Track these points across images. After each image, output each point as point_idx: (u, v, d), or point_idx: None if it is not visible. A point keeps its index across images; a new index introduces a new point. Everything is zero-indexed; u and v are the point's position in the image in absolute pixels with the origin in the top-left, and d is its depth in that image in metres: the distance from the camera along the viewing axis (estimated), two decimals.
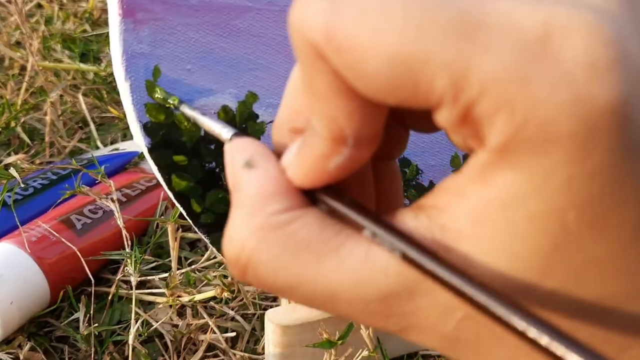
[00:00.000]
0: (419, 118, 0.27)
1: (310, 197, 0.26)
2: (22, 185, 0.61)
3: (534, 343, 0.19)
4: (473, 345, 0.23)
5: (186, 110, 0.35)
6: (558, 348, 0.19)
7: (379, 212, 0.24)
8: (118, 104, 0.79)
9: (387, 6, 0.20)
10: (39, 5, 0.97)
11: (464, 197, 0.22)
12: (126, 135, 0.76)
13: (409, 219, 0.23)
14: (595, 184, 0.20)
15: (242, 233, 0.25)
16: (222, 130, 0.31)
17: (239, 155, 0.27)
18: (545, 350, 0.19)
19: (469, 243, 0.22)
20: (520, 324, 0.19)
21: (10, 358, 0.50)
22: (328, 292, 0.24)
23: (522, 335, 0.19)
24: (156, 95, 0.38)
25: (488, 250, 0.21)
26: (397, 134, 0.29)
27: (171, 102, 0.36)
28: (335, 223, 0.25)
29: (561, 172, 0.20)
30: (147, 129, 0.40)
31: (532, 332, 0.19)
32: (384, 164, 0.30)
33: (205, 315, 0.54)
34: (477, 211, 0.21)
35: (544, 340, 0.19)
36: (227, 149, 0.28)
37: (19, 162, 0.67)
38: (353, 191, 0.27)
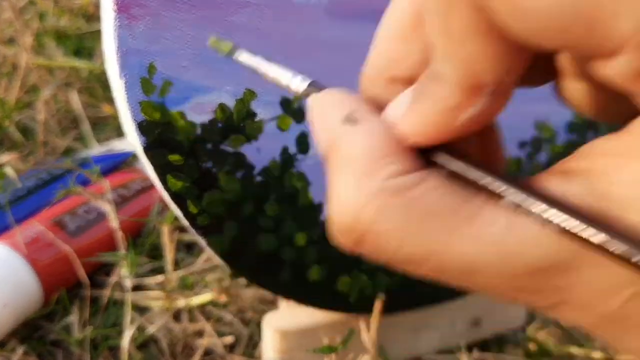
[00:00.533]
0: (535, 70, 0.23)
1: (423, 158, 0.23)
2: (19, 185, 0.60)
3: None
4: (639, 326, 0.21)
5: (243, 57, 0.30)
6: None
7: (518, 177, 0.21)
8: (112, 101, 0.78)
9: None
10: (33, 2, 0.96)
11: (629, 162, 0.19)
12: (121, 134, 0.75)
13: (555, 185, 0.20)
14: None
15: (356, 199, 0.22)
16: (292, 80, 0.27)
17: (334, 109, 0.24)
18: None
19: (633, 215, 0.19)
20: None
21: None
22: (465, 265, 0.21)
23: None
24: (212, 44, 0.33)
25: None
26: None
27: (224, 48, 0.32)
28: (460, 188, 0.22)
29: None
30: (142, 127, 0.39)
31: None
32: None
33: (202, 320, 0.53)
34: None
35: None
36: (316, 101, 0.25)
37: (12, 161, 0.67)
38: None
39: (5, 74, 0.80)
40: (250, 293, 0.55)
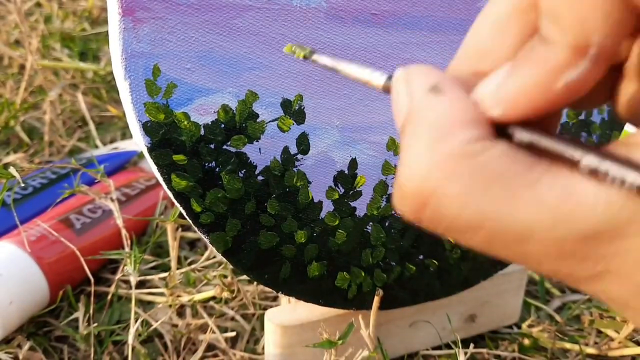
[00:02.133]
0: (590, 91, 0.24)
1: (500, 131, 0.23)
2: (22, 185, 0.61)
3: None
4: None
5: (322, 59, 0.31)
6: None
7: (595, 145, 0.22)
8: (117, 102, 0.79)
9: None
10: (38, 4, 0.96)
11: None
12: (125, 134, 0.76)
13: (624, 153, 0.21)
14: None
15: (427, 161, 0.22)
16: (372, 76, 0.27)
17: (421, 79, 0.24)
18: None
19: None
20: None
21: (10, 358, 0.50)
22: (520, 230, 0.22)
23: None
24: (288, 50, 0.34)
25: None
26: None
27: (302, 51, 0.32)
28: (525, 157, 0.22)
29: None
30: (146, 128, 0.40)
31: None
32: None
33: (205, 315, 0.54)
34: None
35: None
36: (402, 75, 0.25)
37: (18, 161, 0.67)
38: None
39: (12, 75, 0.81)
40: (252, 289, 0.56)
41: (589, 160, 0.21)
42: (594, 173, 0.21)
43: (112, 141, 0.75)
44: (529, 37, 0.23)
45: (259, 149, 0.42)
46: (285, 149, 0.43)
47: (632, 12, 0.20)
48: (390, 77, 0.26)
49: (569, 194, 0.21)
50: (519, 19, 0.24)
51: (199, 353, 0.51)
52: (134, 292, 0.49)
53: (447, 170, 0.22)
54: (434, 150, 0.22)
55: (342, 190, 0.45)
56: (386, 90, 0.27)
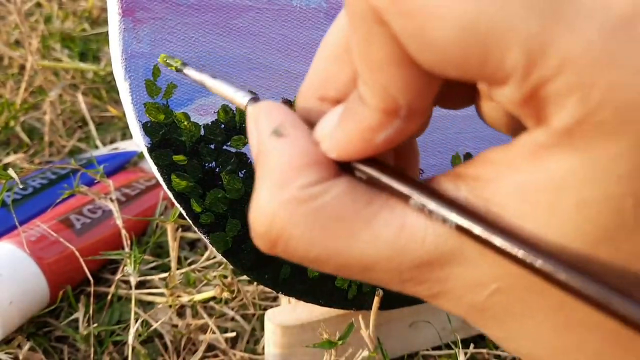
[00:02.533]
0: (451, 94, 0.26)
1: (342, 165, 0.25)
2: (21, 186, 0.61)
3: (611, 312, 0.19)
4: (500, 318, 0.23)
5: (192, 73, 0.32)
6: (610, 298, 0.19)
7: (423, 181, 0.24)
8: (117, 103, 0.79)
9: None
10: (38, 4, 0.97)
11: (511, 173, 0.21)
12: (125, 135, 0.76)
13: (449, 188, 0.23)
14: None
15: (271, 205, 0.24)
16: (236, 95, 0.29)
17: (264, 121, 0.26)
18: (599, 304, 0.19)
19: (513, 219, 0.21)
20: (598, 292, 0.19)
21: (10, 358, 0.50)
22: (362, 263, 0.24)
23: (597, 304, 0.19)
24: (162, 60, 0.36)
25: (533, 230, 0.21)
26: None
27: (173, 64, 0.34)
28: (366, 192, 0.24)
29: (628, 159, 0.19)
30: (146, 128, 0.40)
31: (616, 302, 0.19)
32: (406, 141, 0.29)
33: (205, 316, 0.54)
34: (526, 190, 0.21)
35: (624, 308, 0.19)
36: (252, 113, 0.27)
37: (18, 161, 0.67)
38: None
39: (12, 75, 0.81)
40: (252, 289, 0.56)
41: (416, 198, 0.23)
42: (421, 210, 0.23)
43: (112, 141, 0.75)
44: None
45: None
46: None
47: (429, 77, 0.21)
48: (252, 99, 0.28)
49: (401, 229, 0.23)
50: (350, 54, 0.25)
51: (199, 353, 0.51)
52: (134, 293, 0.49)
53: (289, 215, 0.24)
54: (275, 195, 0.24)
55: None
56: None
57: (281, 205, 0.24)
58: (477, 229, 0.21)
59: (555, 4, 0.19)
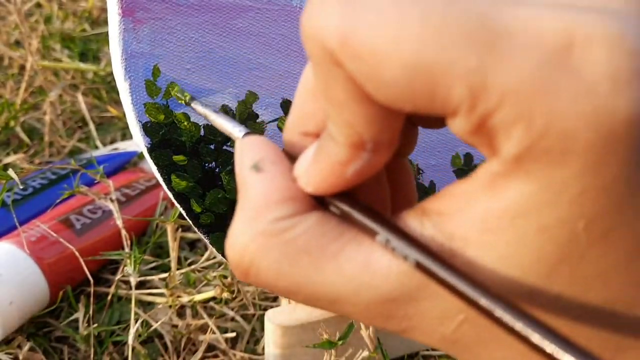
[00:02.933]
0: (430, 118, 0.27)
1: (318, 199, 0.26)
2: (21, 186, 0.61)
3: (533, 345, 0.20)
4: (471, 347, 0.24)
5: (198, 107, 0.35)
6: (553, 349, 0.19)
7: (390, 217, 0.25)
8: (117, 103, 0.79)
9: (405, 12, 0.20)
10: (38, 5, 0.97)
11: (472, 205, 0.22)
12: (125, 135, 0.76)
13: (415, 225, 0.23)
14: (608, 196, 0.20)
15: (243, 237, 0.25)
16: (234, 130, 0.31)
17: (247, 156, 0.27)
18: (542, 351, 0.20)
19: (476, 250, 0.22)
20: (522, 328, 0.20)
21: (10, 358, 0.50)
22: (329, 296, 0.25)
23: (523, 339, 0.20)
24: (174, 93, 0.38)
25: (495, 259, 0.22)
26: (407, 132, 0.29)
27: (182, 97, 0.36)
28: (336, 226, 0.25)
29: (576, 183, 0.20)
30: (146, 128, 0.40)
31: (535, 338, 0.20)
32: (396, 162, 0.30)
33: (205, 316, 0.54)
34: (486, 220, 0.22)
35: (542, 342, 0.20)
36: (238, 148, 0.28)
37: (18, 161, 0.67)
38: (368, 189, 0.27)
39: (12, 76, 0.81)
40: (252, 290, 0.56)
41: (382, 234, 0.23)
42: (386, 246, 0.23)
43: (112, 142, 0.75)
44: None
45: None
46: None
47: (390, 111, 0.22)
48: (247, 134, 0.30)
49: (366, 264, 0.24)
50: None
51: (199, 353, 0.51)
52: (134, 293, 0.49)
53: (258, 247, 0.25)
54: (248, 227, 0.25)
55: None
56: None
57: (252, 238, 0.25)
58: (433, 267, 0.22)
59: (491, 39, 0.19)
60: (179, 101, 0.38)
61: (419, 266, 0.22)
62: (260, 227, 0.25)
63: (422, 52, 0.19)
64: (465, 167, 0.49)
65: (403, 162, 0.30)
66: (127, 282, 0.57)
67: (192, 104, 0.36)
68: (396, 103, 0.21)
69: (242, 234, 0.25)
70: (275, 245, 0.25)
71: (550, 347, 0.19)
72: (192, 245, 0.63)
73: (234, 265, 0.26)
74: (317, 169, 0.25)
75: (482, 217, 0.22)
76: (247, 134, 0.30)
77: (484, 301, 0.21)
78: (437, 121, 0.26)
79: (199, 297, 0.54)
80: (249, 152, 0.27)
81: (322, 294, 0.25)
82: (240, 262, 0.26)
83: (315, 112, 0.27)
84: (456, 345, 0.24)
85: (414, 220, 0.24)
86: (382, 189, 0.29)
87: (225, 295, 0.53)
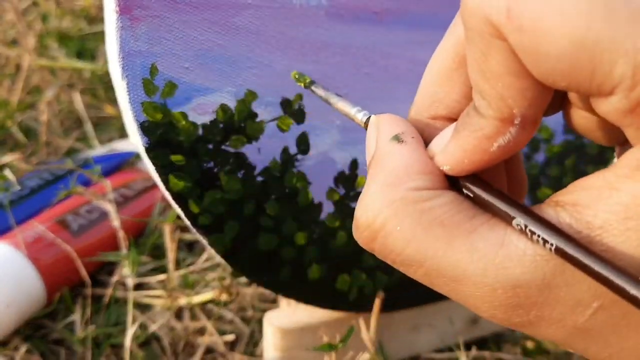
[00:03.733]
0: (553, 102, 0.27)
1: (451, 182, 0.27)
2: (18, 186, 0.60)
3: None
4: (604, 336, 0.24)
5: (319, 90, 0.35)
6: None
7: (527, 206, 0.25)
8: (115, 102, 0.78)
9: None
10: (35, 3, 0.96)
11: (612, 194, 0.22)
12: (123, 135, 0.75)
13: (550, 213, 0.24)
14: None
15: (379, 201, 0.26)
16: (357, 113, 0.32)
17: (388, 127, 0.28)
18: None
19: (616, 237, 0.22)
20: None
21: None
22: (455, 272, 0.25)
23: None
24: (293, 76, 0.39)
25: (637, 245, 0.22)
26: None
27: (302, 80, 0.36)
28: (470, 208, 0.26)
29: None
30: (144, 128, 0.39)
31: None
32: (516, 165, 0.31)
33: (203, 318, 0.53)
34: (628, 208, 0.22)
35: None
36: (375, 121, 0.29)
37: (14, 161, 0.67)
38: (489, 175, 0.28)
39: (8, 75, 0.81)
40: (251, 291, 0.55)
41: (519, 220, 0.24)
42: (522, 231, 0.24)
43: (109, 141, 0.75)
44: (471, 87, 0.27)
45: (258, 149, 0.42)
46: (285, 149, 0.43)
47: (547, 87, 0.23)
48: (368, 119, 0.30)
49: (500, 245, 0.24)
50: (460, 71, 0.27)
51: (198, 356, 0.51)
52: (131, 295, 0.49)
53: (395, 211, 0.25)
54: (386, 192, 0.26)
55: (343, 191, 0.45)
56: (366, 127, 0.30)
57: (389, 202, 0.25)
58: (577, 253, 0.22)
59: None
60: (298, 83, 0.38)
61: (559, 251, 0.22)
62: (399, 193, 0.25)
63: (589, 28, 0.20)
64: None
65: (520, 167, 0.31)
66: (125, 284, 0.56)
67: (313, 87, 0.36)
68: (553, 78, 0.22)
69: (377, 198, 0.26)
70: (412, 212, 0.25)
71: None
72: (191, 247, 0.62)
73: (362, 228, 0.26)
74: (457, 145, 0.26)
75: (625, 204, 0.22)
76: (368, 118, 0.30)
77: (629, 286, 0.21)
78: (552, 107, 0.26)
79: (197, 299, 0.54)
80: (388, 125, 0.28)
81: (447, 268, 0.25)
82: (370, 225, 0.26)
83: (447, 95, 0.28)
84: (587, 334, 0.24)
85: (548, 209, 0.24)
86: (500, 174, 0.29)
87: (224, 297, 0.52)
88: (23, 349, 0.50)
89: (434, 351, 0.53)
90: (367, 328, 0.46)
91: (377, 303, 0.46)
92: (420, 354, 0.53)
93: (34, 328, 0.53)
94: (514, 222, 0.24)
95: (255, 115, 0.42)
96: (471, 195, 0.26)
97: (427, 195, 0.25)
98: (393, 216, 0.25)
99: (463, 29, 0.24)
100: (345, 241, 0.45)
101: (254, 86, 0.42)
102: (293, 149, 0.43)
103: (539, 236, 0.23)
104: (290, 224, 0.43)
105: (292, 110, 0.43)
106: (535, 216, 0.24)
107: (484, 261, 0.24)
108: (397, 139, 0.27)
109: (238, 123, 0.41)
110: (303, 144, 0.43)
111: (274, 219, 0.43)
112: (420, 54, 0.46)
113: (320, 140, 0.44)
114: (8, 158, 0.68)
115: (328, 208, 0.44)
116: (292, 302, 0.47)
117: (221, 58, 0.41)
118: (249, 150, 0.42)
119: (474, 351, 0.51)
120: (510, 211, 0.24)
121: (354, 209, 0.45)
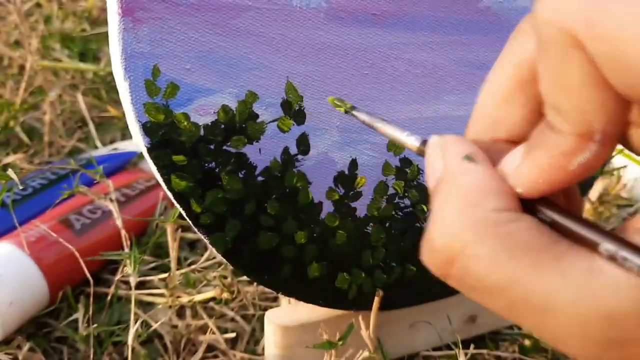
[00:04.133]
0: None
1: (526, 205, 0.25)
2: (21, 186, 0.61)
3: None
4: None
5: (362, 115, 0.33)
6: None
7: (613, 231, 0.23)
8: (117, 103, 0.79)
9: None
10: (38, 5, 0.96)
11: None
12: (125, 135, 0.76)
13: (637, 240, 0.22)
14: None
15: (457, 223, 0.24)
16: (407, 138, 0.30)
17: (455, 148, 0.26)
18: None
19: None
20: None
21: (10, 358, 0.50)
22: (542, 301, 0.23)
23: None
24: (331, 101, 0.37)
25: None
26: None
27: (343, 106, 0.35)
28: (550, 232, 0.24)
29: None
30: (146, 128, 0.40)
31: None
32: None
33: (205, 316, 0.53)
34: None
35: None
36: (438, 142, 0.27)
37: (17, 161, 0.67)
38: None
39: (11, 76, 0.81)
40: (252, 290, 0.56)
41: (607, 246, 0.22)
42: (612, 258, 0.22)
43: (112, 142, 0.75)
44: (534, 107, 0.26)
45: (259, 149, 0.42)
46: (286, 150, 0.43)
47: (626, 101, 0.21)
48: (424, 142, 0.28)
49: (591, 273, 0.22)
50: (522, 91, 0.26)
51: (199, 354, 0.51)
52: (133, 293, 0.49)
53: (477, 234, 0.23)
54: (465, 213, 0.24)
55: (343, 191, 0.45)
56: (420, 153, 0.28)
57: (469, 225, 0.24)
58: None
59: None
60: (337, 109, 0.36)
61: None
62: (480, 215, 0.24)
63: None
64: None
65: (574, 189, 0.29)
66: (127, 283, 0.56)
67: (354, 112, 0.34)
68: (635, 90, 0.20)
69: (455, 220, 0.24)
70: (495, 235, 0.23)
71: None
72: (192, 246, 0.62)
73: (437, 252, 0.24)
74: (532, 165, 0.24)
75: None
76: (425, 141, 0.29)
77: None
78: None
79: (198, 298, 0.54)
80: (455, 145, 0.26)
81: (535, 297, 0.23)
82: (449, 247, 0.24)
83: (507, 118, 0.26)
84: None
85: (634, 235, 0.22)
86: (558, 198, 0.27)
87: (225, 295, 0.53)
88: (26, 347, 0.51)
89: (432, 349, 0.53)
90: (366, 326, 0.46)
91: (376, 301, 0.46)
92: (418, 352, 0.53)
93: (36, 326, 0.54)
94: (602, 248, 0.22)
95: (256, 116, 0.42)
96: (548, 220, 0.24)
97: (509, 217, 0.23)
98: (475, 239, 0.23)
99: (532, 43, 0.23)
100: (345, 240, 0.45)
101: (255, 87, 0.42)
102: (293, 150, 0.43)
103: (632, 263, 0.21)
104: (290, 223, 0.44)
105: (293, 111, 0.43)
106: (624, 241, 0.22)
107: (576, 290, 0.22)
108: (469, 158, 0.26)
109: (239, 124, 0.42)
110: (303, 144, 0.44)
111: (275, 218, 0.43)
112: (419, 56, 0.46)
113: (320, 141, 0.44)
114: (11, 158, 0.68)
115: (328, 207, 0.45)
116: (293, 300, 0.48)
117: (222, 59, 0.41)
118: (250, 151, 0.42)
119: (471, 349, 0.51)
120: (595, 237, 0.22)
121: (353, 208, 0.46)
